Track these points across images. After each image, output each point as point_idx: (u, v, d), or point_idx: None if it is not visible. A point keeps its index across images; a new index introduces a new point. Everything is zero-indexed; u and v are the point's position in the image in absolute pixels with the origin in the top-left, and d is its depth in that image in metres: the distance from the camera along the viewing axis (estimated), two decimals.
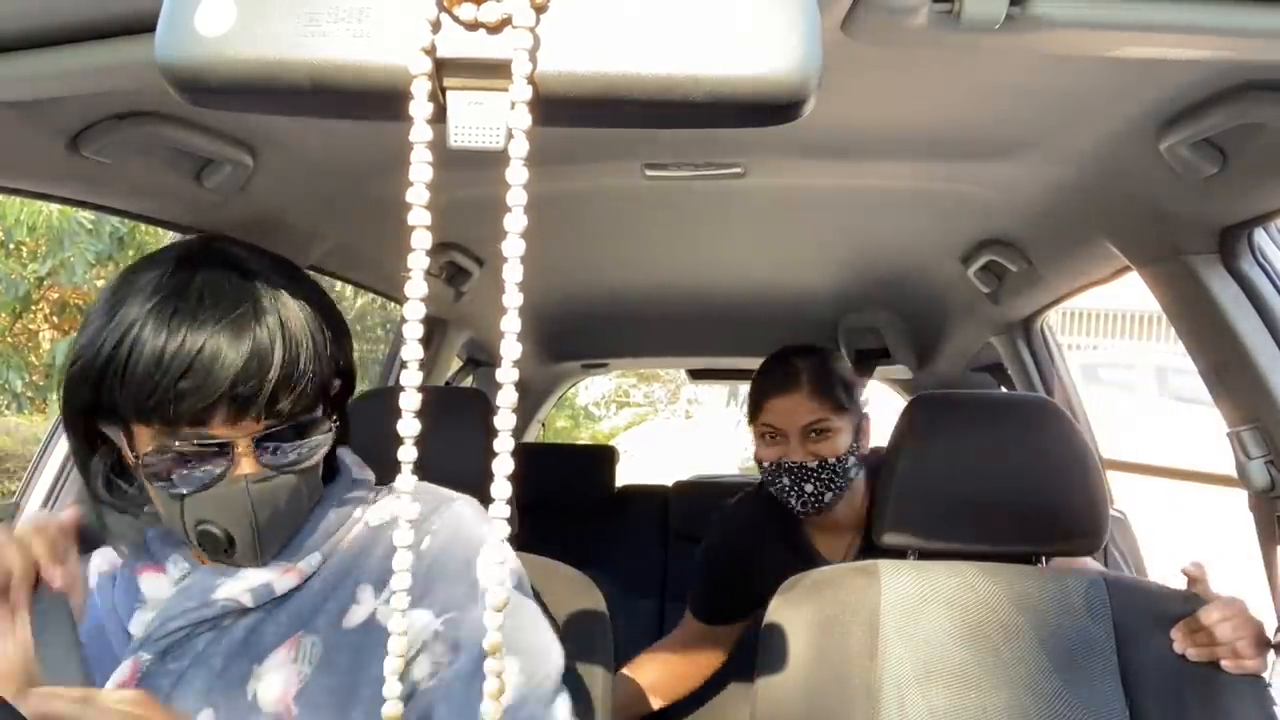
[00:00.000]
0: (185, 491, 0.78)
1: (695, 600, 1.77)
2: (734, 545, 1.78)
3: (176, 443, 0.76)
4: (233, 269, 0.78)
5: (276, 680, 0.81)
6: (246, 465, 0.78)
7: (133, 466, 0.80)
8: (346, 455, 0.96)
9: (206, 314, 0.74)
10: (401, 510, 0.45)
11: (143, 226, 6.41)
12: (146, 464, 0.77)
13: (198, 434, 0.76)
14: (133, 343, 0.73)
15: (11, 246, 6.82)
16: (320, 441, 0.83)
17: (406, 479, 0.44)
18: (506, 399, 0.41)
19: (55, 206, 5.62)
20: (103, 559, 0.91)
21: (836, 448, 1.58)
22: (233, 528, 0.79)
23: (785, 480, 1.60)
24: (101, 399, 0.76)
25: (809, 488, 1.59)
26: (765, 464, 1.63)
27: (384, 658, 0.75)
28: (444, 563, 0.86)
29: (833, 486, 1.59)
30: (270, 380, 0.75)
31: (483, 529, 0.89)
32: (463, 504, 0.92)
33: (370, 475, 0.96)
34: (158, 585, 0.85)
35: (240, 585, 0.83)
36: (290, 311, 0.78)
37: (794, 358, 1.65)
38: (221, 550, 0.80)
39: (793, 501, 1.61)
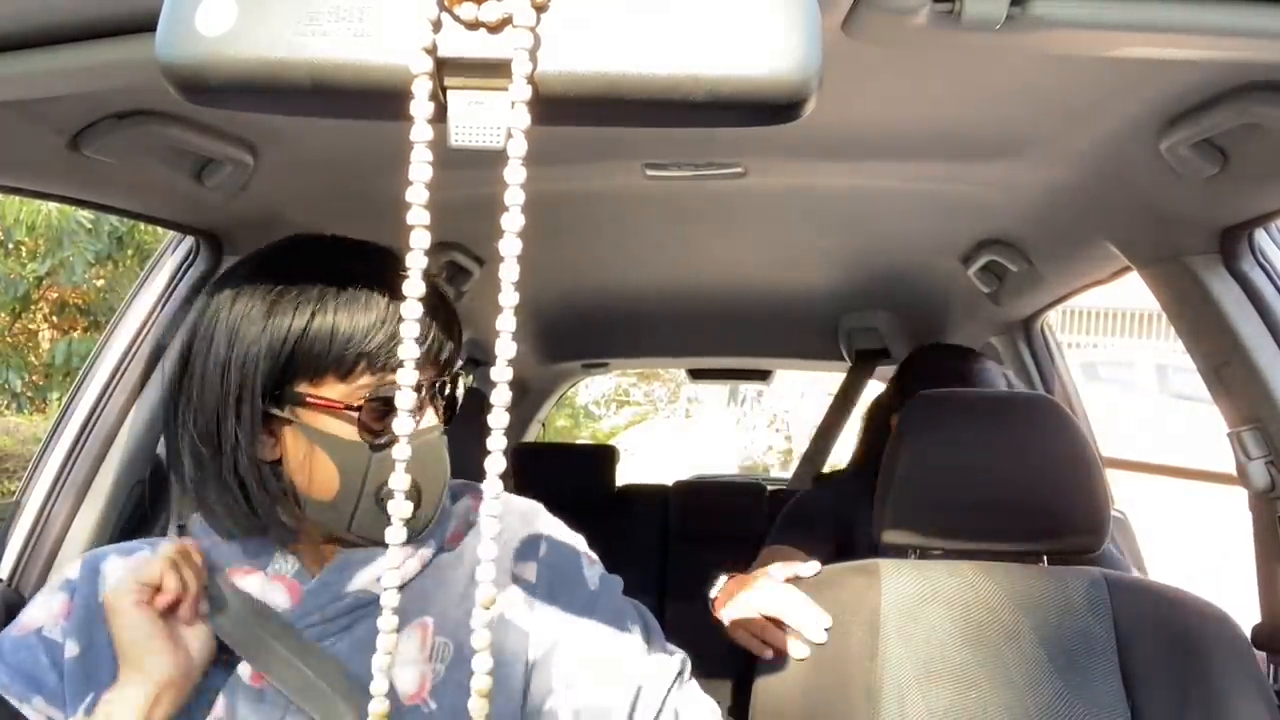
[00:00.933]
0: (387, 441, 0.79)
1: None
2: (833, 503, 1.83)
3: (384, 386, 0.79)
4: (373, 254, 0.84)
5: (413, 672, 0.83)
6: (431, 415, 0.83)
7: (274, 461, 0.81)
8: None
9: (376, 285, 0.80)
10: (395, 510, 0.45)
11: (142, 226, 6.41)
12: (364, 414, 0.79)
13: (392, 379, 0.78)
14: (323, 308, 0.78)
15: (11, 246, 6.82)
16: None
17: (400, 478, 0.44)
18: (500, 397, 0.41)
19: (54, 206, 5.63)
20: (125, 567, 0.87)
21: None
22: (425, 482, 0.82)
23: None
24: (293, 369, 0.78)
25: None
26: None
27: (520, 657, 0.84)
28: (565, 569, 0.91)
29: None
30: (440, 332, 0.82)
31: (563, 531, 0.95)
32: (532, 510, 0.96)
33: None
34: (254, 585, 0.84)
35: (369, 576, 0.85)
36: (437, 285, 0.86)
37: (962, 360, 1.77)
38: (407, 509, 0.80)
39: None
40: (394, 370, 0.78)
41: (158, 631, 0.75)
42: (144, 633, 0.74)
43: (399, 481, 0.48)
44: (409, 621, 0.85)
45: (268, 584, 0.84)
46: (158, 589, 0.77)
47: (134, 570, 0.79)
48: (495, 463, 0.42)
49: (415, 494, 0.81)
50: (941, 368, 1.77)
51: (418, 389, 0.80)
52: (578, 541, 0.95)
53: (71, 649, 0.82)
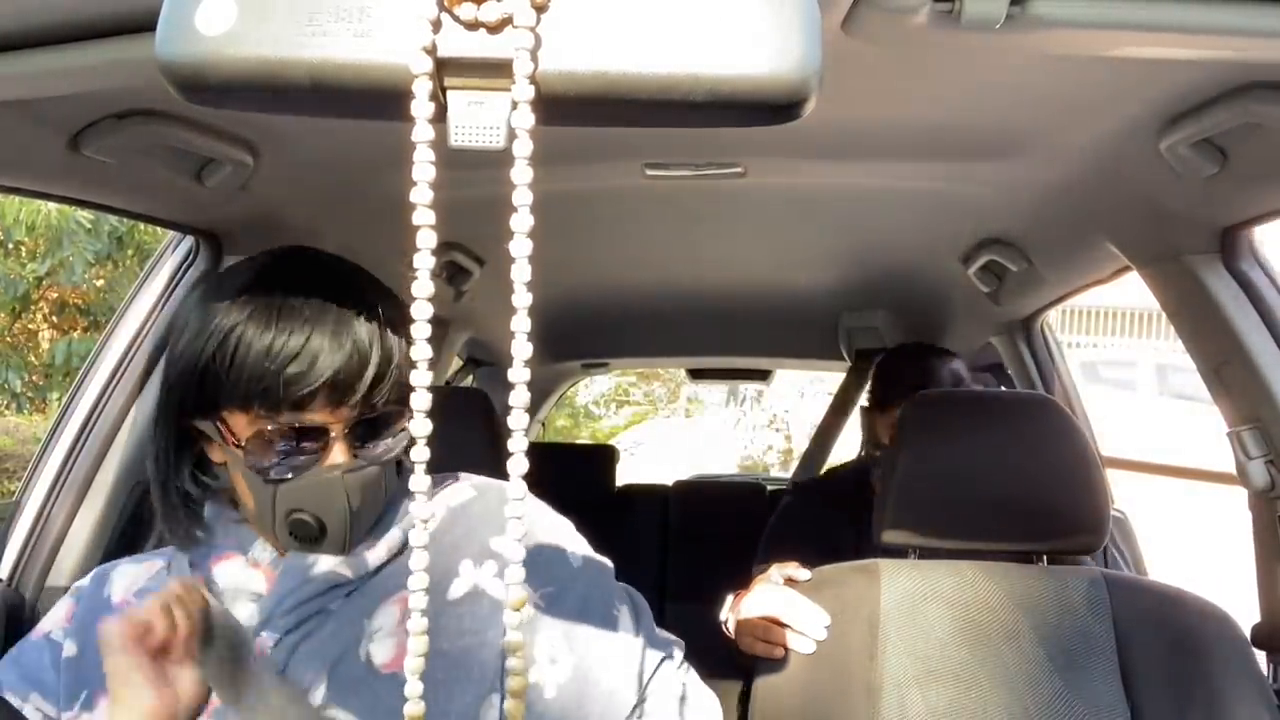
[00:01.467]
0: (282, 478, 0.81)
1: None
2: (818, 512, 1.82)
3: (277, 427, 0.80)
4: (326, 274, 0.84)
5: (389, 643, 0.84)
6: (340, 453, 0.82)
7: (220, 464, 0.85)
8: None
9: (311, 314, 0.79)
10: (416, 510, 0.44)
11: (142, 226, 6.41)
12: (249, 450, 0.80)
13: (297, 418, 0.80)
14: (238, 339, 0.78)
15: (10, 246, 6.81)
16: (405, 435, 0.87)
17: (420, 479, 0.44)
18: (519, 399, 0.41)
19: (54, 206, 5.62)
20: (133, 576, 0.92)
21: None
22: (326, 515, 0.82)
23: None
24: (204, 393, 0.80)
25: None
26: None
27: (495, 625, 0.85)
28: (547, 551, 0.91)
29: None
30: (368, 374, 0.80)
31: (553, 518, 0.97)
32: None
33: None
34: (235, 571, 0.87)
35: (334, 560, 0.87)
36: (383, 310, 0.84)
37: (936, 360, 1.77)
38: (311, 538, 0.83)
39: None
40: (290, 408, 0.79)
41: (144, 670, 0.75)
42: (130, 670, 0.75)
43: (419, 483, 0.45)
44: (389, 596, 0.88)
45: (246, 570, 0.87)
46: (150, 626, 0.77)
47: (129, 609, 0.81)
48: (517, 464, 0.42)
49: (318, 526, 0.82)
50: (903, 371, 1.81)
51: (320, 432, 0.81)
52: (562, 524, 0.96)
53: (69, 649, 0.86)
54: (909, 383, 1.68)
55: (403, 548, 0.90)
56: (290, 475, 0.81)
